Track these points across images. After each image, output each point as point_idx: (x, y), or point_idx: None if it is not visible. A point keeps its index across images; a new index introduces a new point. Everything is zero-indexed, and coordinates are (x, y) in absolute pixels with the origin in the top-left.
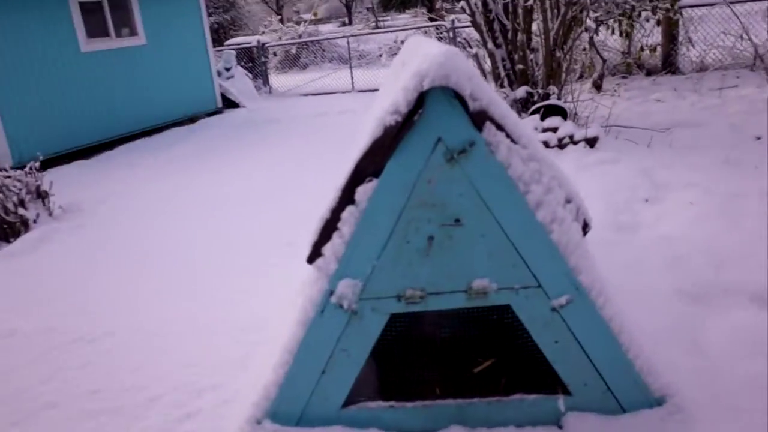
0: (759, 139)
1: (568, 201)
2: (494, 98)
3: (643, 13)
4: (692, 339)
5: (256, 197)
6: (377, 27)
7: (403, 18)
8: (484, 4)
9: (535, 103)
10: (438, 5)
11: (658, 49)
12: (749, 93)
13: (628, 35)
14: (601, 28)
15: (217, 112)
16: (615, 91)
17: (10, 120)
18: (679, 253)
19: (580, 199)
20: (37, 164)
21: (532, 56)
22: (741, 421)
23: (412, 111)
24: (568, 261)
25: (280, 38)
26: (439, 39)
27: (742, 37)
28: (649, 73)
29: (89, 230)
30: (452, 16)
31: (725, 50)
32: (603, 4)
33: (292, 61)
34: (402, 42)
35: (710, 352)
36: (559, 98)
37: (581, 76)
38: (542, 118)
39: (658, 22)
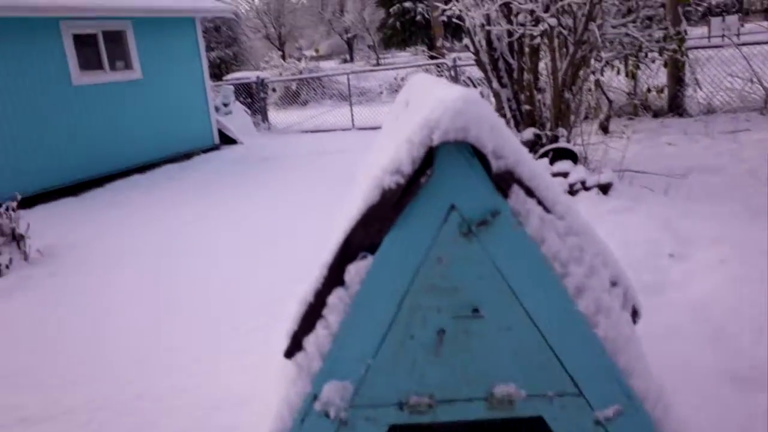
0: None
1: (614, 283)
2: (523, 154)
3: (650, 54)
4: None
5: (244, 243)
6: (378, 64)
7: (404, 56)
8: (489, 43)
9: (543, 145)
10: (438, 43)
11: (665, 90)
12: (764, 137)
13: (633, 76)
14: (605, 69)
15: (214, 148)
16: (623, 133)
17: None
18: (719, 323)
19: (628, 280)
20: (14, 204)
21: (539, 97)
22: None
23: (418, 171)
24: (616, 362)
25: (280, 74)
26: (440, 77)
27: (752, 80)
28: (656, 115)
29: (60, 279)
30: (453, 55)
31: (734, 92)
32: (609, 44)
33: (292, 98)
34: (402, 79)
35: None
36: (568, 141)
37: (586, 117)
38: (551, 162)
39: (665, 64)
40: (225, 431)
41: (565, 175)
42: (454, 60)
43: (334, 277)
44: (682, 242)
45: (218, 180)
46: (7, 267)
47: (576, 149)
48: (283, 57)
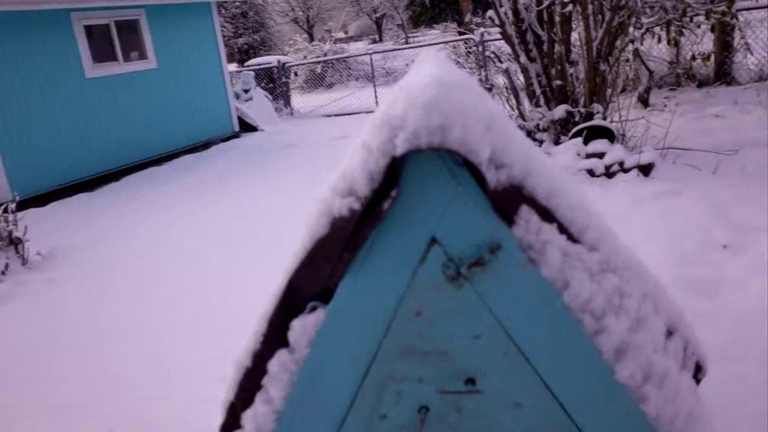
0: None
1: (670, 333)
2: (535, 160)
3: (695, 18)
4: None
5: (246, 243)
6: (407, 43)
7: (433, 34)
8: (515, 13)
9: (576, 123)
10: (467, 19)
11: (711, 57)
12: None
13: (676, 43)
14: (645, 36)
15: (234, 136)
16: (665, 105)
17: (9, 151)
18: None
19: (687, 326)
20: (14, 206)
21: (571, 70)
22: None
23: (379, 191)
24: None
25: (305, 57)
26: (468, 54)
27: None
28: (700, 85)
29: (58, 286)
30: (481, 29)
31: None
32: (650, 8)
33: (317, 81)
34: None
35: None
36: (604, 118)
37: (623, 90)
38: (585, 142)
39: (713, 29)
40: None
41: (600, 155)
42: (482, 35)
43: (275, 334)
44: (736, 230)
45: (233, 170)
46: (3, 272)
47: (613, 126)
48: (311, 39)
